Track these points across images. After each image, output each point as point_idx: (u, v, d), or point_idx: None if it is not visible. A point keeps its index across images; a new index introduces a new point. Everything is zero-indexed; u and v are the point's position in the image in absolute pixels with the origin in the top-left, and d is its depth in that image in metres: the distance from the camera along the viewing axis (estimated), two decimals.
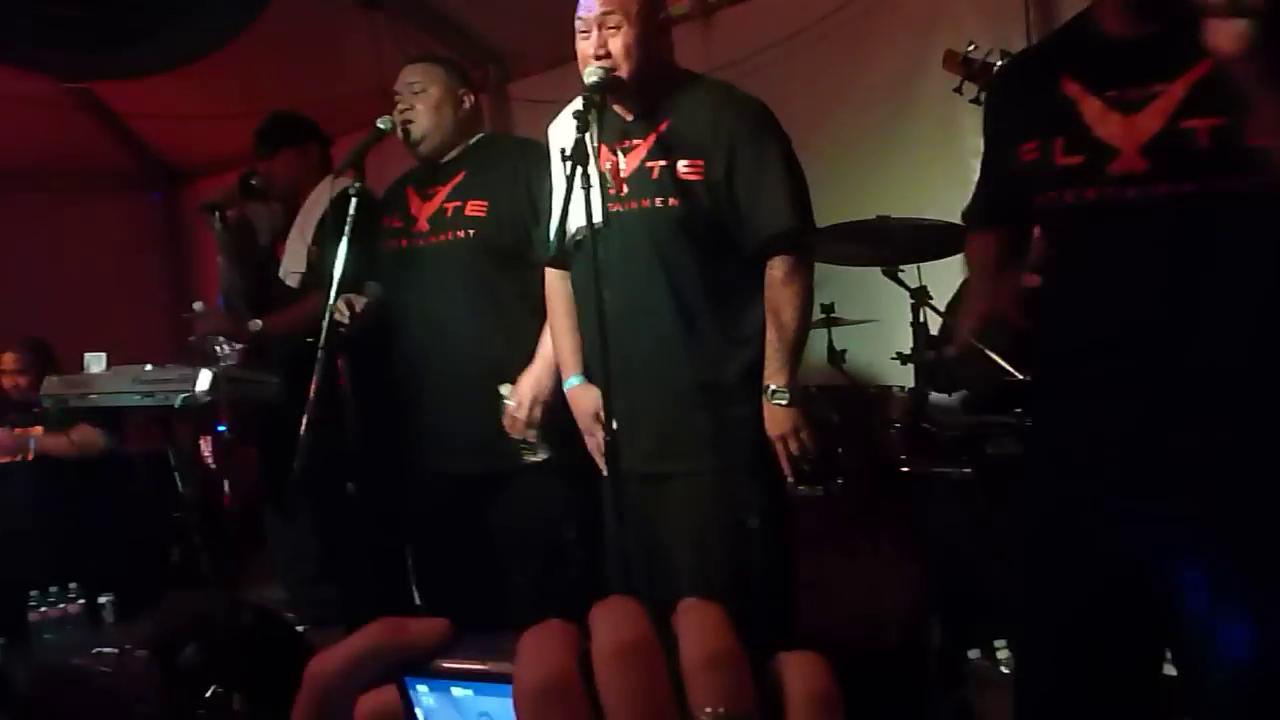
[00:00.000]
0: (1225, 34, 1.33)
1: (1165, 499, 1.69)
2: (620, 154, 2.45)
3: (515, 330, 2.85)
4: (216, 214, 3.60)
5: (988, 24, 3.89)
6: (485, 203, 2.89)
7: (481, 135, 3.07)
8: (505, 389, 2.76)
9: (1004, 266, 1.98)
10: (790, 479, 2.41)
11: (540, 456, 2.77)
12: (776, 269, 2.38)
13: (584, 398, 2.53)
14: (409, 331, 3.01)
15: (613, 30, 2.38)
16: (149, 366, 3.82)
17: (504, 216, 2.87)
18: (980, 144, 2.01)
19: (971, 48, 2.75)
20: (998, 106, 2.00)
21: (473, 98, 3.02)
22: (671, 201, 2.38)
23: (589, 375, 2.53)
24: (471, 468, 2.88)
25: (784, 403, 2.36)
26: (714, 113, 2.42)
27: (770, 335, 2.39)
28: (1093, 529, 1.77)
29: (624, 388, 2.28)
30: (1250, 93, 1.41)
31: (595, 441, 2.46)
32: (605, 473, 2.38)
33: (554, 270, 2.64)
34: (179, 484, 3.98)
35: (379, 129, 2.91)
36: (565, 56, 4.82)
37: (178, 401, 3.71)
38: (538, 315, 2.75)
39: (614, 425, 2.25)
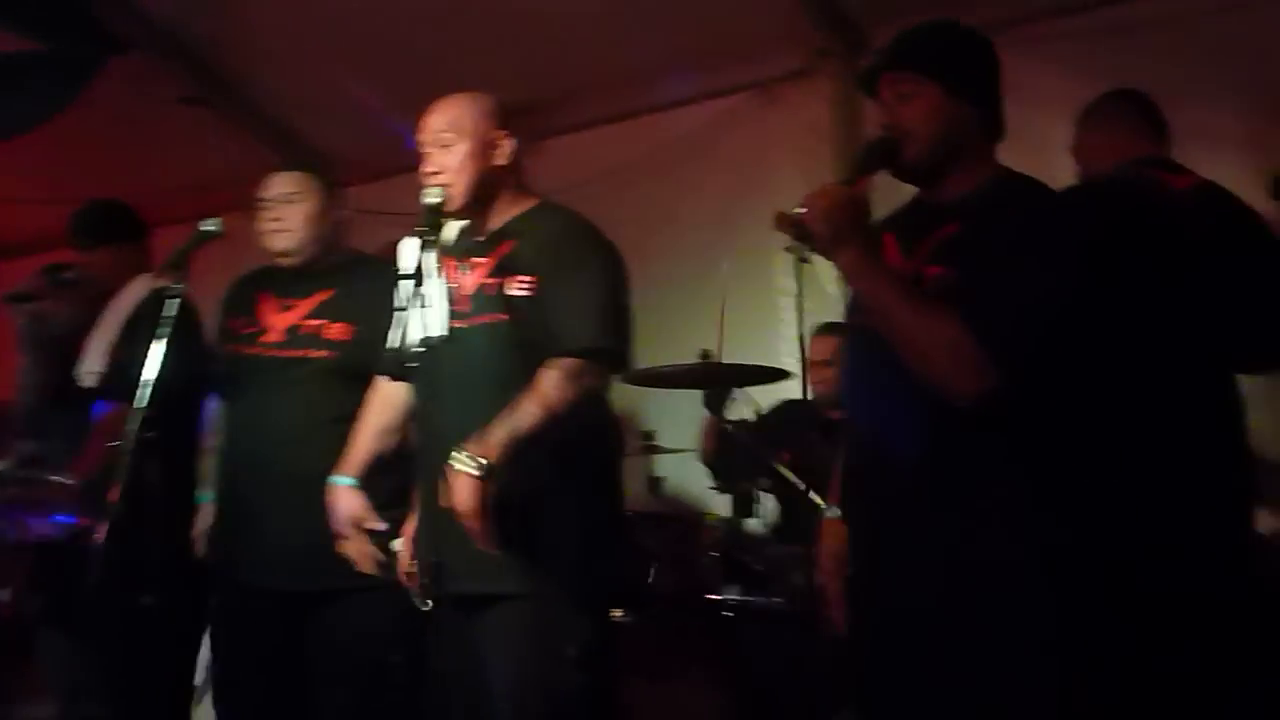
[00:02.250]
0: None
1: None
2: (465, 271, 2.48)
3: None
4: (23, 305, 3.40)
5: (801, 169, 4.15)
6: (351, 327, 2.85)
7: (352, 254, 3.02)
8: (397, 544, 2.61)
9: None
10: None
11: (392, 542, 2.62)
12: (561, 364, 2.31)
13: (350, 501, 2.54)
14: (241, 438, 2.91)
15: (446, 147, 2.44)
16: None
17: (366, 342, 2.78)
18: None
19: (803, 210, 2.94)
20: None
21: (341, 211, 2.99)
22: (502, 318, 2.41)
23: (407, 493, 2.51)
24: (296, 585, 2.78)
25: (468, 469, 2.19)
26: (549, 233, 2.46)
27: (506, 412, 2.26)
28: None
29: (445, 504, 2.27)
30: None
31: (355, 547, 2.52)
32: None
33: (380, 379, 2.65)
34: None
35: (204, 231, 2.81)
36: (393, 168, 4.95)
37: None
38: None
39: (437, 546, 2.24)
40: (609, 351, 2.41)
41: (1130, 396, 2.36)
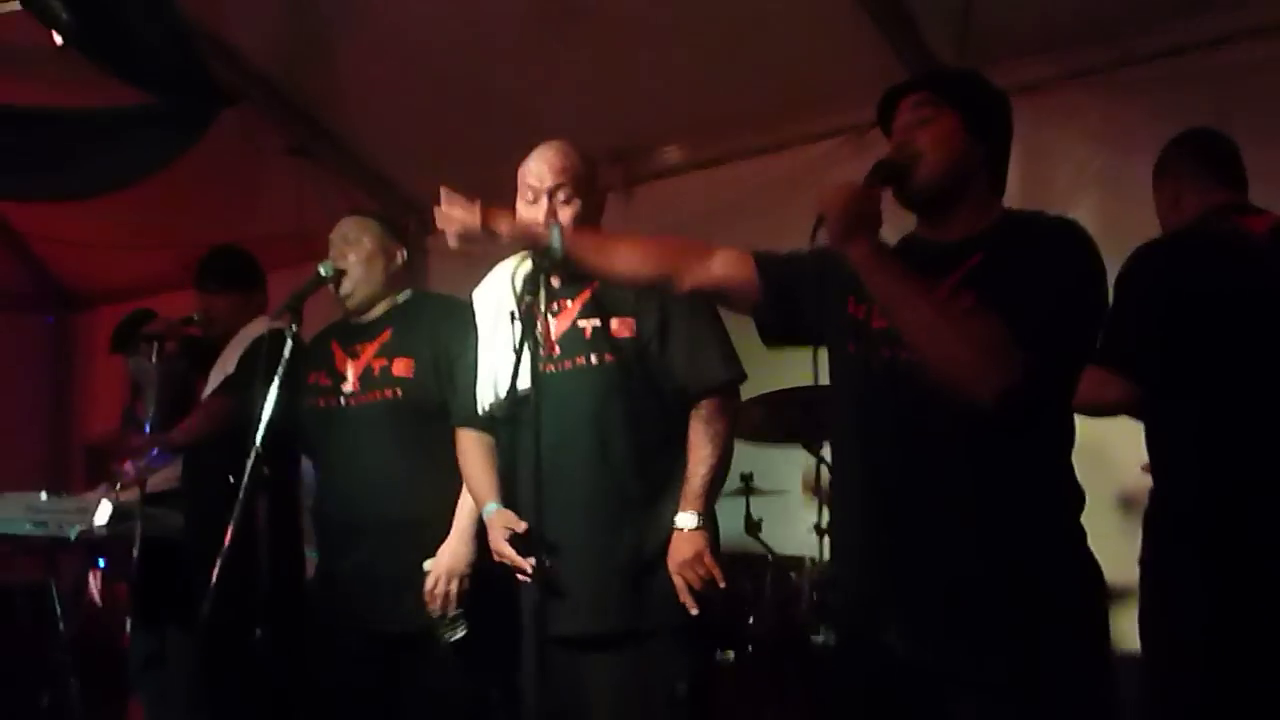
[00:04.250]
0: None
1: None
2: (550, 317, 2.51)
3: (441, 486, 2.83)
4: (156, 344, 3.55)
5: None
6: (411, 361, 2.91)
7: (410, 293, 3.11)
8: (427, 564, 2.74)
9: None
10: (693, 610, 2.35)
11: (459, 634, 2.72)
12: (701, 410, 2.45)
13: (501, 518, 2.51)
14: (334, 488, 2.99)
15: (564, 203, 2.48)
16: (44, 495, 3.69)
17: (429, 375, 2.89)
18: None
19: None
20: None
21: (404, 253, 3.07)
22: (607, 358, 2.45)
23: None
24: (392, 625, 2.83)
25: (691, 525, 2.37)
26: None
27: (687, 473, 2.42)
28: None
29: (551, 547, 2.31)
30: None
31: (509, 554, 2.45)
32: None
33: (468, 433, 2.68)
34: (59, 621, 3.81)
35: (320, 275, 2.93)
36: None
37: (73, 533, 3.60)
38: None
39: (543, 585, 2.27)
40: (738, 383, 2.51)
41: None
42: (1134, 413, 2.64)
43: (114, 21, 4.03)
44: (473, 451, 2.67)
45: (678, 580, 2.35)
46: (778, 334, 2.16)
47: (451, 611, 2.71)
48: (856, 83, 4.22)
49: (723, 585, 2.37)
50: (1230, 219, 2.66)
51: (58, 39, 4.08)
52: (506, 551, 2.45)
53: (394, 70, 4.66)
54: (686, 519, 2.38)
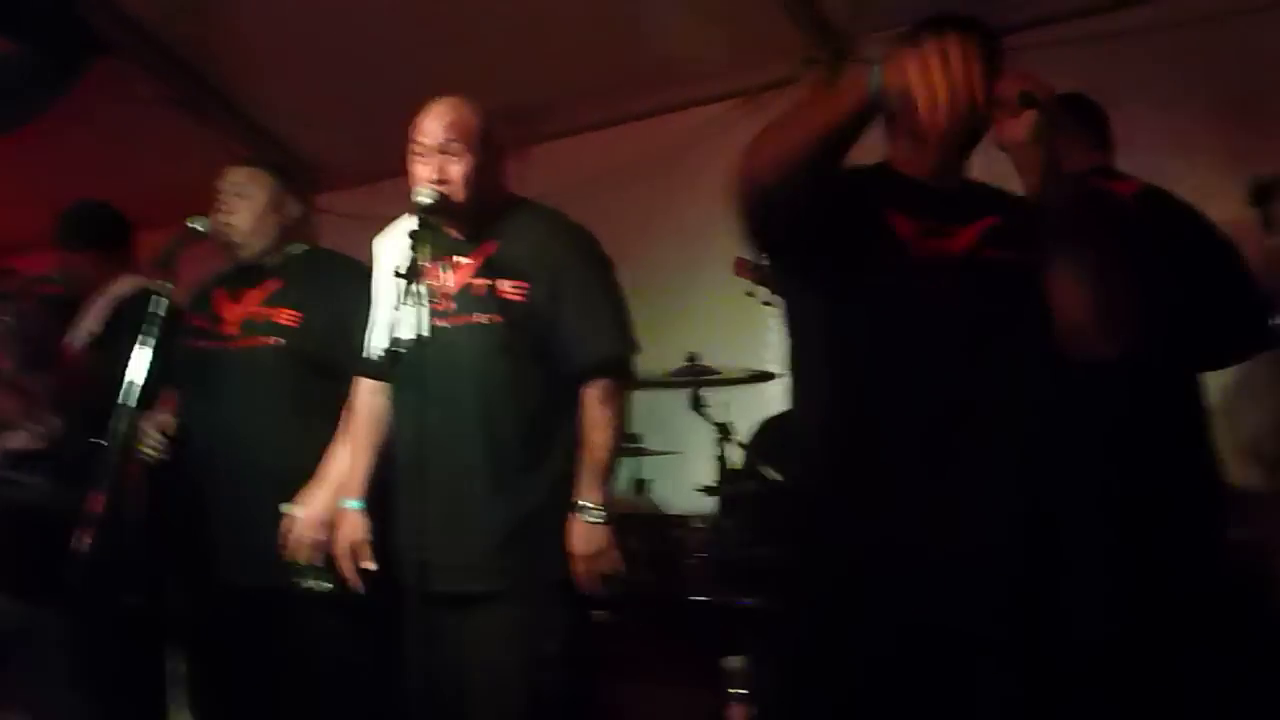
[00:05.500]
0: (1017, 127, 1.71)
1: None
2: (447, 271, 2.48)
3: (316, 441, 2.77)
4: (10, 304, 3.39)
5: None
6: (299, 314, 2.86)
7: (305, 248, 3.04)
8: (288, 507, 2.68)
9: None
10: (590, 596, 2.40)
11: (321, 587, 2.66)
12: (594, 390, 2.44)
13: (355, 523, 2.53)
14: (206, 434, 2.89)
15: (453, 157, 2.44)
16: None
17: (316, 329, 2.83)
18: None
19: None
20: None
21: (297, 205, 3.00)
22: (495, 319, 2.42)
23: (390, 491, 2.50)
24: (261, 580, 2.76)
25: (596, 520, 2.39)
26: (540, 236, 2.50)
27: (585, 454, 2.43)
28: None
29: (431, 503, 2.27)
30: (1035, 177, 1.77)
31: (349, 567, 2.50)
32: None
33: (364, 384, 2.63)
34: None
35: (194, 230, 2.83)
36: (374, 174, 4.94)
37: None
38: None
39: (423, 545, 2.24)
40: (630, 358, 2.50)
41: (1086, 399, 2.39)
42: None
43: None
44: (362, 406, 2.63)
45: (580, 568, 2.37)
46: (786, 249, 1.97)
47: (315, 562, 2.65)
48: (750, 46, 4.25)
49: (622, 578, 2.41)
50: (1101, 182, 2.72)
51: None
52: (344, 561, 2.50)
53: (280, 22, 4.50)
54: (590, 511, 2.38)
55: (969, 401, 1.87)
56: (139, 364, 2.63)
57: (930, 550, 1.83)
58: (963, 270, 1.93)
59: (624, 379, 2.49)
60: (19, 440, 3.38)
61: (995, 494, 1.86)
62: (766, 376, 3.45)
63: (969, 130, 1.88)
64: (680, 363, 3.39)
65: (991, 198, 2.02)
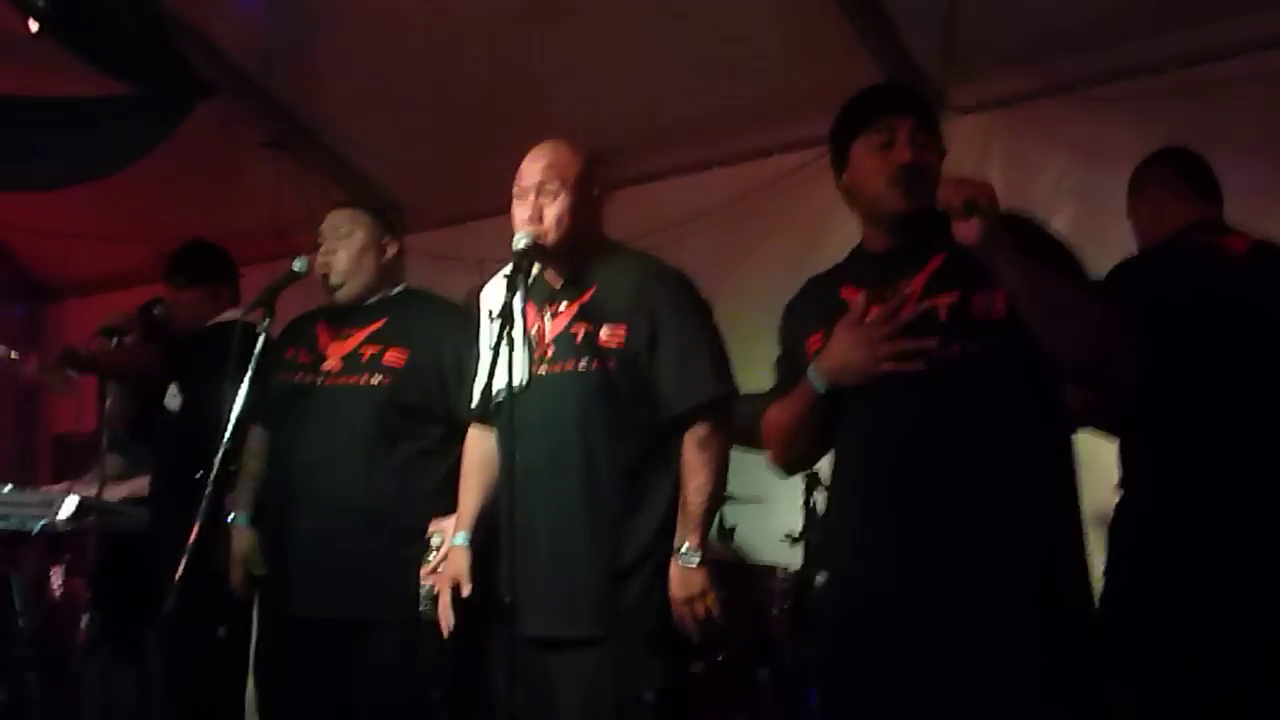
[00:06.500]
0: (967, 231, 1.81)
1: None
2: (547, 317, 2.50)
3: (407, 484, 2.83)
4: (114, 339, 3.51)
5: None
6: (405, 353, 2.89)
7: (403, 287, 3.08)
8: (436, 537, 2.71)
9: None
10: (695, 640, 2.39)
11: (432, 616, 2.65)
12: (694, 434, 2.42)
13: (458, 558, 2.55)
14: (297, 466, 2.93)
15: (548, 198, 2.46)
16: (8, 487, 3.64)
17: (419, 371, 2.87)
18: None
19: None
20: (792, 311, 2.31)
21: (396, 247, 3.05)
22: (593, 365, 2.42)
23: (492, 535, 2.51)
24: (337, 612, 2.79)
25: (694, 564, 2.36)
26: (637, 281, 2.49)
27: (684, 498, 2.41)
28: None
29: (528, 548, 2.28)
30: (993, 269, 1.86)
31: (445, 600, 2.52)
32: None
33: (475, 429, 2.65)
34: (18, 616, 3.75)
35: (294, 271, 2.90)
36: (460, 216, 5.01)
37: (35, 527, 3.55)
38: (433, 473, 2.77)
39: (514, 588, 2.23)
40: (730, 402, 2.48)
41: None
42: (1109, 427, 2.63)
43: (91, 10, 3.99)
44: (471, 452, 2.65)
45: (679, 612, 2.36)
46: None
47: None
48: (836, 91, 4.24)
49: (719, 623, 2.39)
50: (1211, 237, 2.67)
51: (33, 26, 4.02)
52: (444, 598, 2.53)
53: (372, 64, 4.62)
54: (689, 555, 2.36)
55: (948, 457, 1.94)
56: (237, 399, 2.69)
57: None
58: (911, 329, 1.98)
59: (724, 423, 2.46)
60: (134, 487, 3.47)
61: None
62: None
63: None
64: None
65: (937, 238, 1.98)
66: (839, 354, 2.03)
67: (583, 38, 4.22)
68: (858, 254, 2.19)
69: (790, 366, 2.20)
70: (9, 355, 2.97)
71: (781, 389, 2.22)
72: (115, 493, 3.76)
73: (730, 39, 4.07)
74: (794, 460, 2.34)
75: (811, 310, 2.20)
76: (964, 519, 1.89)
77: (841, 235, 4.11)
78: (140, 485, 3.71)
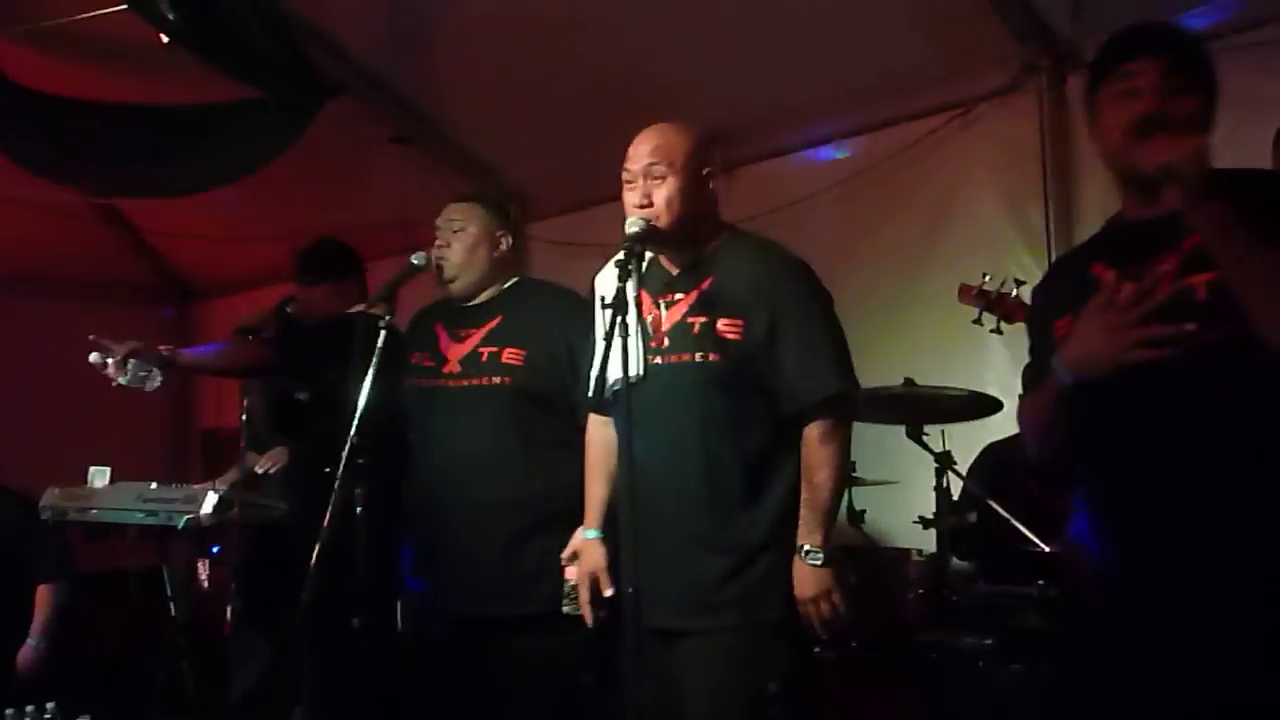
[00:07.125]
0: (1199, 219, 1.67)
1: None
2: (663, 307, 2.46)
3: (548, 472, 2.85)
4: (250, 338, 3.62)
5: (1004, 191, 4.00)
6: (523, 351, 2.90)
7: (517, 279, 3.09)
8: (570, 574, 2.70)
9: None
10: (821, 637, 2.37)
11: (575, 612, 2.66)
12: (815, 429, 2.37)
13: (592, 552, 2.55)
14: (433, 469, 2.97)
15: (657, 181, 2.41)
16: (154, 484, 3.79)
17: (540, 364, 2.88)
18: None
19: (986, 278, 3.07)
20: (1041, 293, 2.12)
21: (510, 239, 3.05)
22: (711, 357, 2.38)
23: (614, 525, 2.50)
24: (490, 610, 2.82)
25: (818, 563, 2.32)
26: (757, 271, 2.43)
27: (805, 494, 2.36)
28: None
29: (649, 539, 2.25)
30: (1220, 261, 1.68)
31: (584, 595, 2.52)
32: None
33: (595, 417, 2.64)
34: (171, 606, 3.91)
35: (414, 265, 2.93)
36: (583, 202, 5.02)
37: (181, 523, 3.69)
38: (571, 459, 2.75)
39: (636, 579, 2.21)
40: (852, 395, 2.42)
41: None
42: None
43: (218, 19, 4.11)
44: (593, 445, 2.65)
45: (804, 611, 2.33)
46: None
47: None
48: (965, 55, 4.09)
49: (846, 619, 2.36)
50: None
51: (164, 38, 4.16)
52: (582, 593, 2.53)
53: (491, 55, 4.66)
54: (813, 554, 2.32)
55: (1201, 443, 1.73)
56: (365, 392, 2.72)
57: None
58: (1165, 312, 1.76)
59: (845, 418, 2.40)
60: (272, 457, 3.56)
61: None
62: (988, 401, 3.26)
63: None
64: (896, 387, 3.25)
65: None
66: (1084, 342, 1.82)
67: (698, 17, 4.16)
68: (1113, 224, 1.98)
69: (1040, 354, 2.00)
70: (103, 361, 3.05)
71: (1034, 379, 2.03)
72: (262, 466, 3.88)
73: (849, 5, 3.95)
74: (1059, 455, 2.02)
75: (1060, 291, 2.00)
76: (1233, 521, 1.70)
77: (976, 202, 4.03)
78: (280, 454, 3.83)
